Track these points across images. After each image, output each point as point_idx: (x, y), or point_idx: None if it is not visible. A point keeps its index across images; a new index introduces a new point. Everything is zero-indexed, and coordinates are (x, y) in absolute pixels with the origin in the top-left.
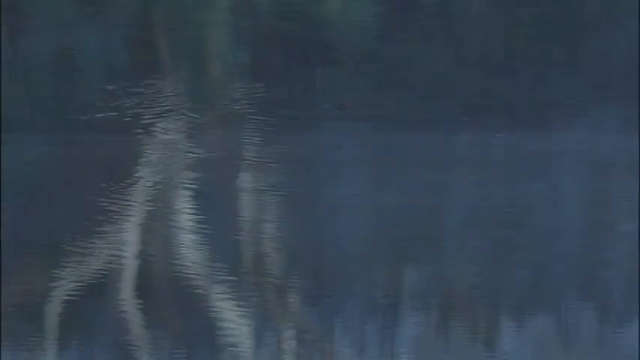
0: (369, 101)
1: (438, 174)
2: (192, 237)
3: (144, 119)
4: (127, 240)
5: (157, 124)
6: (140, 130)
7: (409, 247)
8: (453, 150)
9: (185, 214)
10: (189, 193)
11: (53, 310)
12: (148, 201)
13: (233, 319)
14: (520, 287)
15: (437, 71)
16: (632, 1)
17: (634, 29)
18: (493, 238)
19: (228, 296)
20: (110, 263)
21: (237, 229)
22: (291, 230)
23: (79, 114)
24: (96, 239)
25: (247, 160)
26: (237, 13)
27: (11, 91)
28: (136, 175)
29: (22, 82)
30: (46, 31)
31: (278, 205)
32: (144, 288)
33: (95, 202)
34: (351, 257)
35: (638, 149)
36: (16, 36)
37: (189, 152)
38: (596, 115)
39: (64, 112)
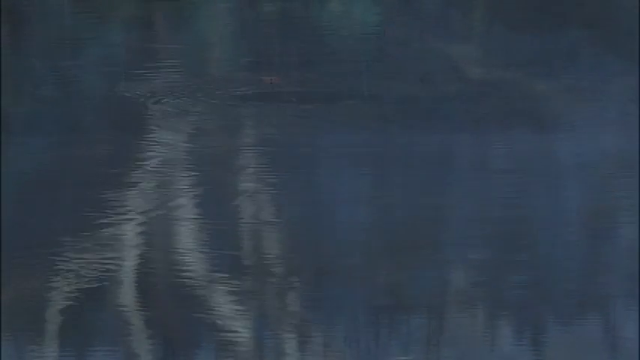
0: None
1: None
2: (193, 235)
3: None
4: (127, 239)
5: (157, 118)
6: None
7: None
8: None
9: (185, 211)
10: (189, 190)
11: (51, 312)
12: (148, 199)
13: (234, 321)
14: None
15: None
16: None
17: None
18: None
19: (229, 295)
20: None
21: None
22: None
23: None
24: (94, 239)
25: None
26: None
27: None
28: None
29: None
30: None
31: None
32: (144, 290)
33: (95, 201)
34: None
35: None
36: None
37: (188, 149)
38: None
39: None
